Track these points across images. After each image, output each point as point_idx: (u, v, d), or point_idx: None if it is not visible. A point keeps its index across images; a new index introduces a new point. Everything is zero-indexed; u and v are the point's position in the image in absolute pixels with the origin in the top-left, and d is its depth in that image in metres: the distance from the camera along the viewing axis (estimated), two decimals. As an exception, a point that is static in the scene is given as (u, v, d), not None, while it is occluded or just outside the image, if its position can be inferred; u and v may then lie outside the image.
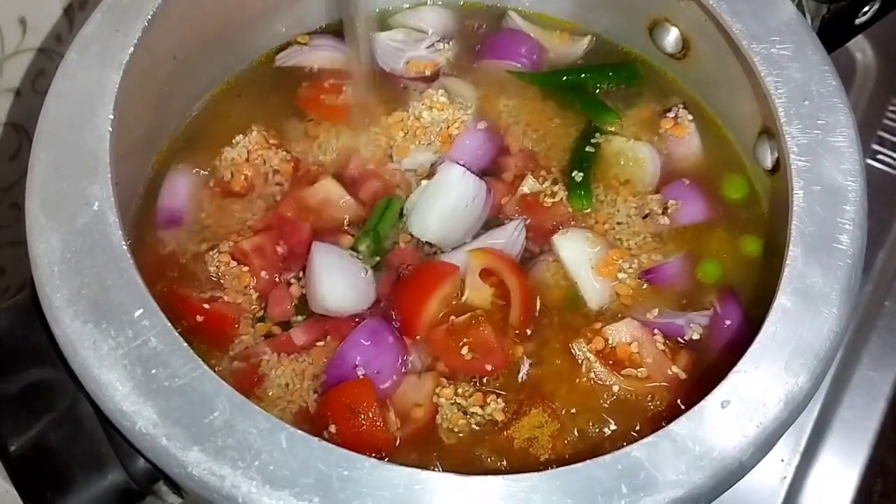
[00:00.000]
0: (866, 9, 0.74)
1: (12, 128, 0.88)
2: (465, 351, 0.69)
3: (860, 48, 1.09)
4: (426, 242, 0.75)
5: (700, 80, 0.81)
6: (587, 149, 0.79)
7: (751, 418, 0.54)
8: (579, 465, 0.52)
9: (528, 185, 0.77)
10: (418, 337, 0.70)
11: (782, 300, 0.57)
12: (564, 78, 0.84)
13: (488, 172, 0.79)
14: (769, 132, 0.73)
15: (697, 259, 0.74)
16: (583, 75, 0.84)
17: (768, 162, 0.74)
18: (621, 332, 0.70)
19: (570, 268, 0.73)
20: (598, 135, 0.80)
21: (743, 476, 0.54)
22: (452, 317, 0.70)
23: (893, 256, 0.99)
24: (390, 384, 0.68)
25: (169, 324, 0.55)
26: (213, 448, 0.52)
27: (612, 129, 0.80)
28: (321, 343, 0.70)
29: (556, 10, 0.87)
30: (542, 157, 0.80)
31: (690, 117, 0.81)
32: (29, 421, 0.58)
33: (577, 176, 0.77)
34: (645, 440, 0.53)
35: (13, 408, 0.59)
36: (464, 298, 0.72)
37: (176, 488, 0.60)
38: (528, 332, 0.71)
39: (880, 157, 1.04)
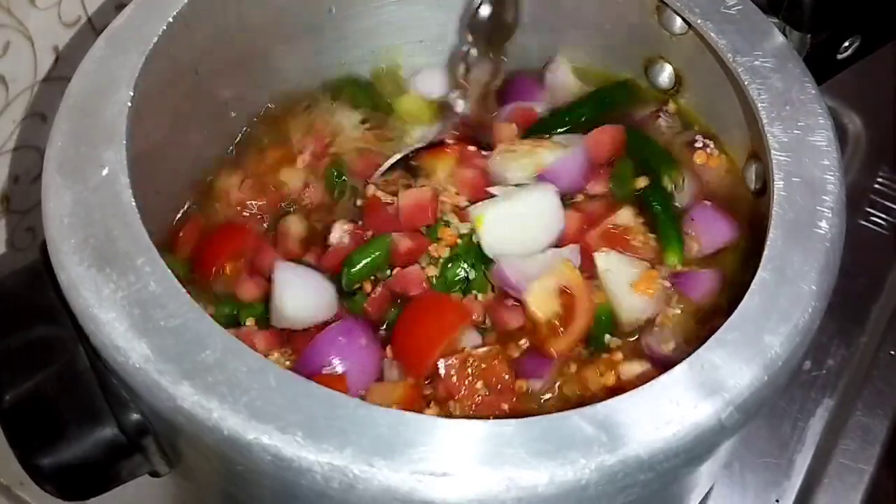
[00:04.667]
0: (847, 44, 0.77)
1: (36, 151, 0.92)
2: (479, 385, 0.68)
3: (850, 119, 1.16)
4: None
5: (694, 111, 0.85)
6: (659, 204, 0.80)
7: (729, 378, 0.54)
8: (562, 413, 0.52)
9: (623, 218, 0.77)
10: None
11: (763, 275, 0.58)
12: (567, 118, 0.87)
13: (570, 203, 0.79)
14: (756, 156, 0.76)
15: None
16: (582, 108, 0.87)
17: (754, 184, 0.77)
18: (635, 371, 0.71)
19: (607, 282, 0.74)
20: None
21: (724, 438, 0.55)
22: (467, 348, 0.70)
23: (886, 311, 1.02)
24: (360, 386, 0.69)
25: (170, 271, 0.57)
26: (203, 384, 0.52)
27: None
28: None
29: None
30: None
31: (712, 143, 0.83)
32: (26, 374, 0.60)
33: (670, 230, 0.78)
34: (628, 394, 0.53)
35: (13, 361, 0.60)
36: (528, 307, 0.72)
37: (162, 450, 0.61)
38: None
39: (872, 218, 1.09)
